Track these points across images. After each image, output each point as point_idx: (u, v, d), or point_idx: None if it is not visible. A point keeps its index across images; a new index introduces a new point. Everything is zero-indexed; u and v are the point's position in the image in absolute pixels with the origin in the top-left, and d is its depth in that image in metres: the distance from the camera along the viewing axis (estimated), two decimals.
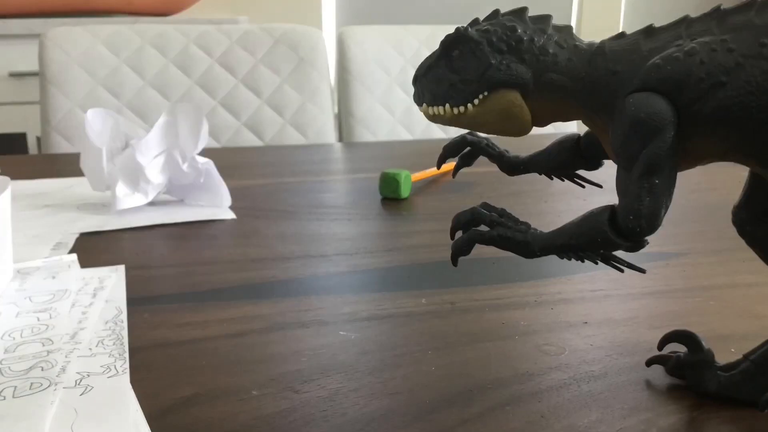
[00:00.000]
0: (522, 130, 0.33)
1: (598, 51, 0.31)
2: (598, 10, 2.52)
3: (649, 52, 0.29)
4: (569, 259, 0.31)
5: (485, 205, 0.33)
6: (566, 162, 0.38)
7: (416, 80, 0.34)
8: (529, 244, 0.31)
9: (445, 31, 1.46)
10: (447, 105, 0.33)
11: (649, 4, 2.60)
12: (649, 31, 0.30)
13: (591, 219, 0.30)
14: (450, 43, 0.32)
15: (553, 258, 0.54)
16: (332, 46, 1.67)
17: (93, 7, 1.77)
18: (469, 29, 0.32)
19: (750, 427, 0.30)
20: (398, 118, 1.40)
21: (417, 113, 1.42)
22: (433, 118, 0.34)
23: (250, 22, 1.95)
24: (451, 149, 0.41)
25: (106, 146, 0.67)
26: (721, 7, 0.29)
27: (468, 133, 0.41)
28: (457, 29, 0.32)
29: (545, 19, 0.32)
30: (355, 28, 1.41)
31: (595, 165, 0.38)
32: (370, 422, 0.31)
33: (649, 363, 0.35)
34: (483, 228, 0.32)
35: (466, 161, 0.41)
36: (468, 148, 0.40)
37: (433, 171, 0.83)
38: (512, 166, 0.39)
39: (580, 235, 0.30)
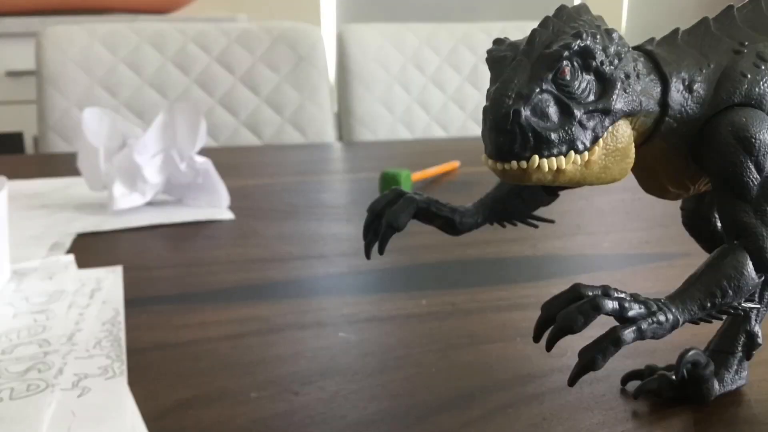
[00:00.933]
0: (626, 174, 0.26)
1: (657, 63, 0.27)
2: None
3: (715, 63, 0.27)
4: (709, 321, 0.26)
5: (584, 287, 0.25)
6: (528, 201, 0.33)
7: (516, 118, 0.23)
8: (677, 322, 0.25)
9: (446, 29, 1.45)
10: (572, 152, 0.24)
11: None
12: (686, 38, 0.28)
13: (733, 268, 0.25)
14: (561, 55, 0.24)
15: (555, 258, 0.53)
16: (332, 45, 1.67)
17: (90, 5, 1.76)
18: (586, 37, 0.24)
19: (752, 428, 0.30)
20: (398, 117, 1.40)
21: (417, 112, 1.42)
22: (540, 177, 0.24)
23: (249, 20, 1.94)
24: (396, 217, 0.31)
25: (103, 146, 0.66)
26: (734, 7, 0.28)
27: (395, 191, 0.32)
28: (576, 34, 0.24)
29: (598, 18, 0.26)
30: (355, 27, 1.41)
31: (553, 198, 0.33)
32: (370, 425, 0.30)
33: (637, 394, 0.32)
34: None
35: (388, 238, 0.32)
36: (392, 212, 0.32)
37: (433, 170, 0.82)
38: (470, 223, 0.32)
39: (733, 290, 0.25)
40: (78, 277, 0.48)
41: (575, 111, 0.24)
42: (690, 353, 0.31)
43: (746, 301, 0.26)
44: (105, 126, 0.67)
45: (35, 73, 1.23)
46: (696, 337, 0.34)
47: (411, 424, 0.30)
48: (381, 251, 0.31)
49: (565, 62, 0.23)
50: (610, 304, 0.24)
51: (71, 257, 0.53)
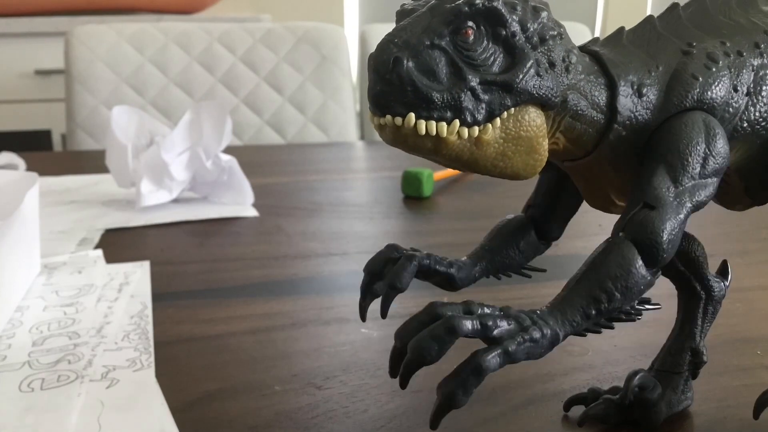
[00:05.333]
0: (533, 172, 0.23)
1: (603, 65, 0.25)
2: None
3: (663, 65, 0.25)
4: (597, 332, 0.23)
5: (441, 306, 0.22)
6: (524, 250, 0.30)
7: (396, 66, 0.21)
8: (556, 337, 0.22)
9: None
10: (456, 122, 0.21)
11: None
12: (631, 38, 0.26)
13: (618, 266, 0.22)
14: (460, 12, 0.21)
15: (577, 258, 0.53)
16: (354, 45, 1.67)
17: (117, 5, 1.79)
18: (496, 2, 0.22)
19: None
20: None
21: None
22: (418, 142, 0.21)
23: (273, 20, 1.95)
24: (399, 277, 0.26)
25: (132, 143, 0.67)
26: (679, 6, 0.27)
27: (392, 246, 0.28)
28: None
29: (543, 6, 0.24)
30: (378, 26, 1.41)
31: (547, 245, 0.31)
32: (391, 419, 0.31)
33: (582, 421, 0.30)
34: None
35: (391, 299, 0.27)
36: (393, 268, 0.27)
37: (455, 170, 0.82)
38: (468, 278, 0.30)
39: (620, 292, 0.22)
40: (106, 272, 0.49)
41: (469, 77, 0.21)
42: (638, 376, 0.29)
43: (641, 302, 0.23)
44: (133, 124, 0.68)
45: (64, 71, 1.25)
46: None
47: None
48: (384, 314, 0.27)
49: (469, 23, 0.21)
50: (469, 325, 0.21)
51: (100, 252, 0.54)
